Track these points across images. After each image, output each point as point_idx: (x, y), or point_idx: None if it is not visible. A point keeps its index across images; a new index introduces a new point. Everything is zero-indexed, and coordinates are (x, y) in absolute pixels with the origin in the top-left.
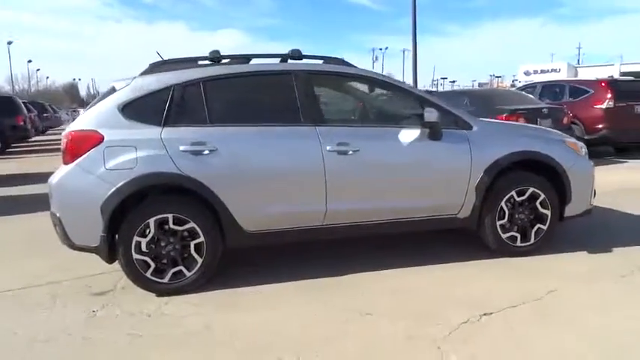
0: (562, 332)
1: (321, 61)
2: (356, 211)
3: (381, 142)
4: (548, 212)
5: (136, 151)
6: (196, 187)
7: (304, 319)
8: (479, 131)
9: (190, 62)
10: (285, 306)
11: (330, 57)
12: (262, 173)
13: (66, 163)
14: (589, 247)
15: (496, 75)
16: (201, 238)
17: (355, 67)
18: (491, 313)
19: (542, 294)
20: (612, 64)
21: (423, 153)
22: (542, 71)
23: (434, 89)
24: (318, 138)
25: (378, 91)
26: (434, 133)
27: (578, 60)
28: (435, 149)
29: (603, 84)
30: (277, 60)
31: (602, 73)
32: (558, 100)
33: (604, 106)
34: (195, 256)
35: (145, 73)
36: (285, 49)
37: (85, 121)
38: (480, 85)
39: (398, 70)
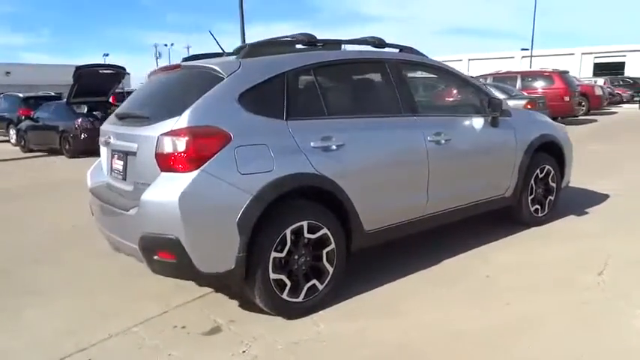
0: None
1: (397, 50)
2: (446, 199)
3: (462, 130)
4: (555, 185)
5: (269, 149)
6: (332, 188)
7: (476, 308)
8: (516, 118)
9: (288, 45)
10: (439, 300)
11: (405, 46)
12: (382, 167)
13: (182, 169)
14: (569, 212)
15: None
16: (332, 245)
17: (427, 57)
18: (602, 271)
19: (606, 250)
20: None
21: (488, 139)
22: None
23: None
24: (421, 128)
25: (447, 81)
26: (495, 120)
27: None
28: (495, 135)
29: None
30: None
31: None
32: None
33: None
34: (327, 265)
35: (247, 55)
36: (32, 44)
37: (195, 115)
38: None
39: None
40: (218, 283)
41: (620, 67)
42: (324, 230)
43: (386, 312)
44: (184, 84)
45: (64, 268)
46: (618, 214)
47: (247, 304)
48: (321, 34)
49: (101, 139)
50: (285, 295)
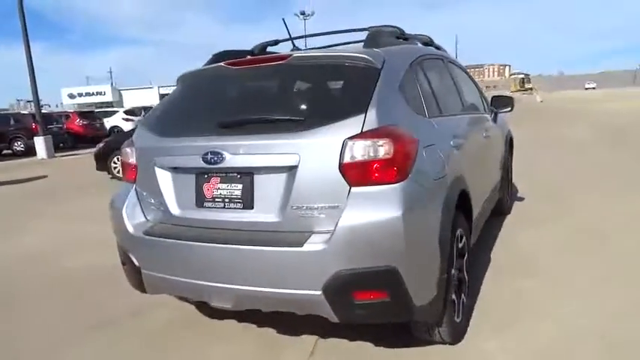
0: None
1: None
2: (485, 192)
3: (487, 126)
4: (510, 176)
5: (437, 150)
6: (469, 190)
7: (582, 297)
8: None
9: (390, 36)
10: (544, 291)
11: (439, 46)
12: (476, 164)
13: (386, 180)
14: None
15: (27, 100)
16: (467, 252)
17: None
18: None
19: (589, 224)
20: (152, 87)
21: (495, 134)
22: (87, 94)
23: None
24: (479, 124)
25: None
26: (496, 117)
27: (112, 83)
28: (496, 131)
29: None
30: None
31: (144, 95)
32: None
33: None
34: (466, 275)
35: (374, 45)
36: None
37: (382, 112)
38: None
39: None
40: (413, 318)
41: None
42: (465, 237)
43: (522, 314)
44: (323, 76)
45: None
46: (543, 193)
47: (375, 339)
48: (72, 55)
49: (160, 160)
50: (456, 318)
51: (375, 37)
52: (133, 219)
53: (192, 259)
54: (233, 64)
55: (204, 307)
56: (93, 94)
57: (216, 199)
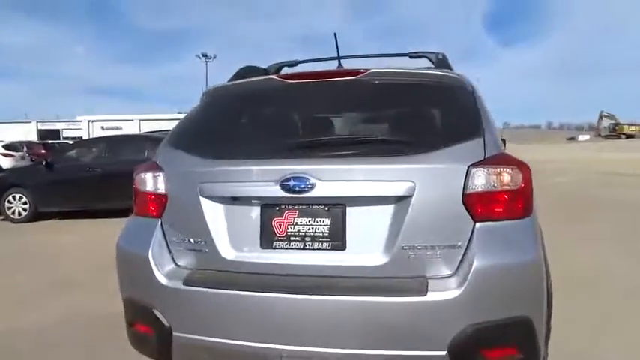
0: None
1: None
2: None
3: None
4: None
5: None
6: None
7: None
8: None
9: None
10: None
11: None
12: None
13: (513, 215)
14: None
15: None
16: None
17: None
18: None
19: None
20: (30, 122)
21: None
22: None
23: None
24: None
25: None
26: None
27: None
28: None
29: None
30: None
31: (20, 130)
32: None
33: None
34: None
35: (449, 68)
36: None
37: (497, 138)
38: None
39: None
40: None
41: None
42: None
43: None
44: (415, 94)
45: None
46: None
47: None
48: None
49: (209, 189)
50: None
51: (445, 60)
52: (162, 265)
53: (259, 315)
54: (289, 78)
55: None
56: None
57: (292, 238)
